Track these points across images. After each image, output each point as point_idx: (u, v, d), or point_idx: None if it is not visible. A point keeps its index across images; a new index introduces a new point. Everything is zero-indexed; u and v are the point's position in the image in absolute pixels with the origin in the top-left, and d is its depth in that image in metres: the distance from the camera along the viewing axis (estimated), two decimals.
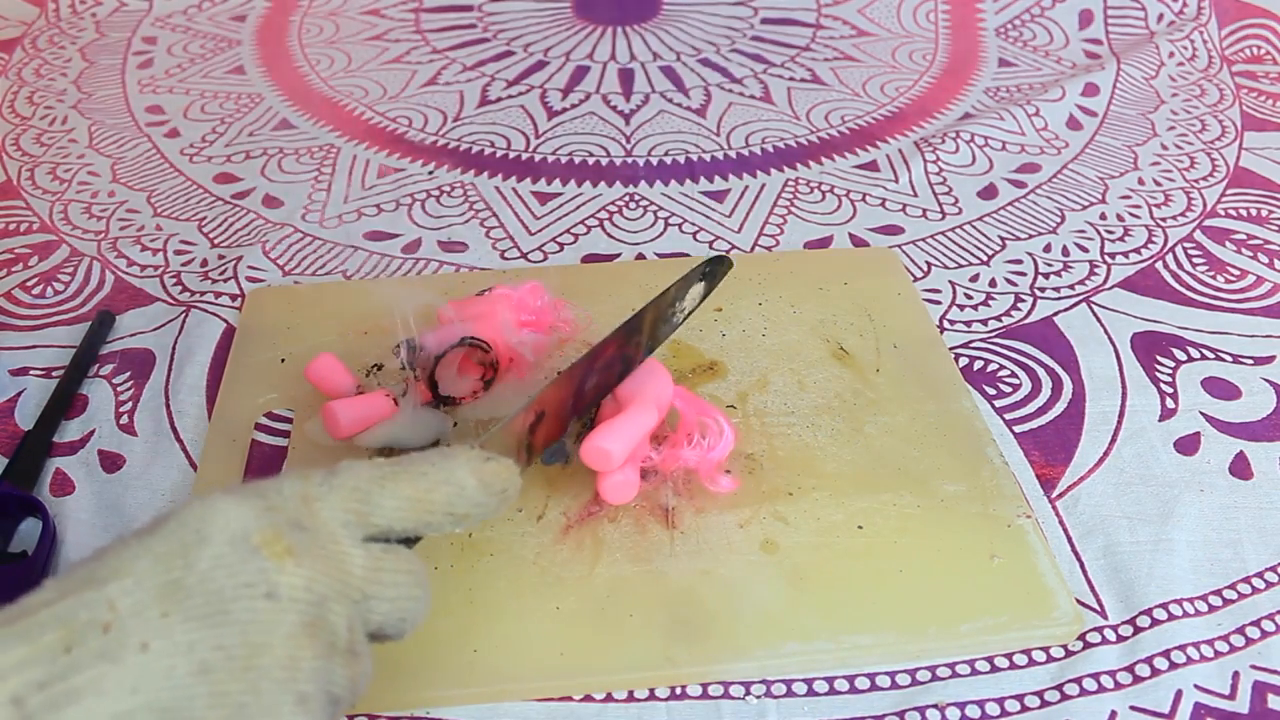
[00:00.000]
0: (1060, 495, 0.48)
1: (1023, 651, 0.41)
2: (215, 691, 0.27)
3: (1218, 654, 0.41)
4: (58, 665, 0.25)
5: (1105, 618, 0.43)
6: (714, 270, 0.46)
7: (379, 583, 0.31)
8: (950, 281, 0.61)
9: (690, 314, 0.46)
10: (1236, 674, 0.41)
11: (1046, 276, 0.61)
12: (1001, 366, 0.55)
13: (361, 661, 0.30)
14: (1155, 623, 0.42)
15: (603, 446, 0.41)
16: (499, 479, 0.34)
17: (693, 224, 0.66)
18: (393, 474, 0.32)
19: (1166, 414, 0.52)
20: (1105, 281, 0.61)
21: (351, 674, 0.30)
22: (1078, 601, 0.43)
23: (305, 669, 0.28)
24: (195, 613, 0.27)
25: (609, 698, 0.40)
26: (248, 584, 0.28)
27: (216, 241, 0.64)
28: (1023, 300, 0.59)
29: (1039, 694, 0.40)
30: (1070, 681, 0.40)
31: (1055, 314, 0.58)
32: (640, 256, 0.63)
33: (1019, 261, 0.63)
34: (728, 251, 0.63)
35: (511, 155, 0.74)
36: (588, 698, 0.39)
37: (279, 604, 0.28)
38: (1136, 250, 0.64)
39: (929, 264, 0.62)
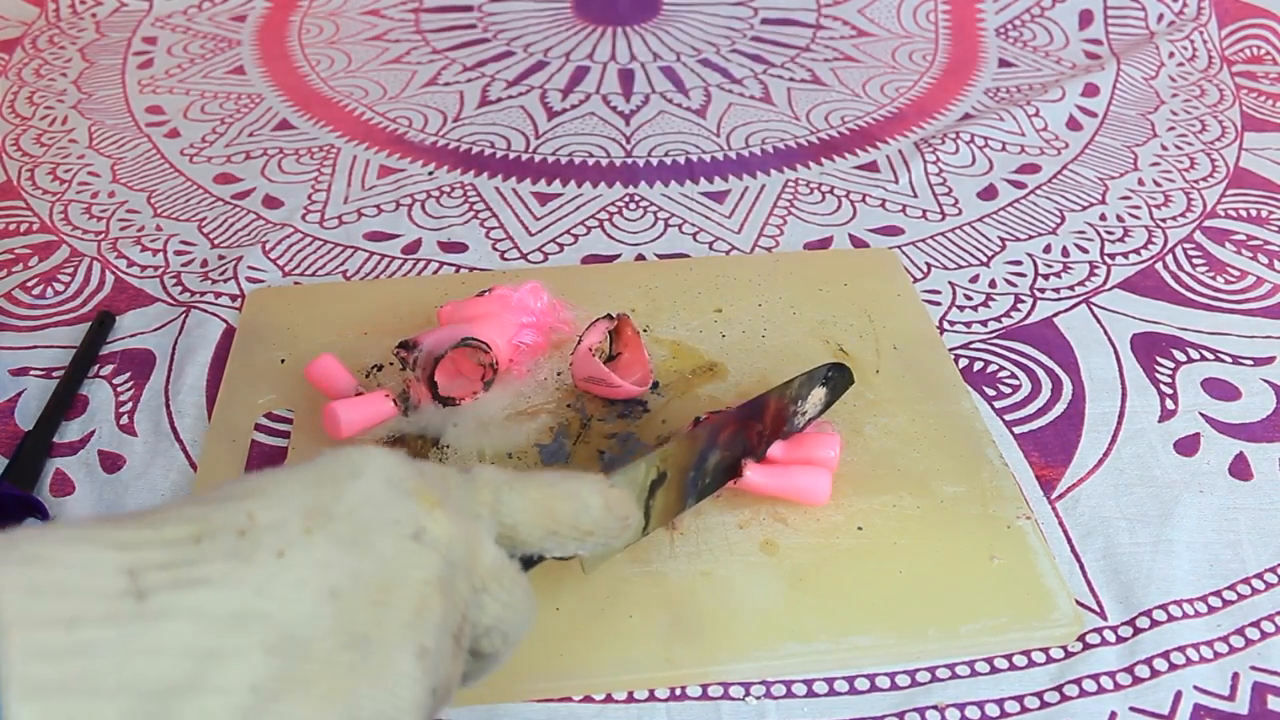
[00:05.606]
0: (1060, 496, 0.48)
1: (1022, 652, 0.41)
2: (341, 617, 0.25)
3: (1217, 655, 0.41)
4: (183, 552, 0.24)
5: (1105, 619, 0.43)
6: (836, 379, 0.47)
7: (498, 581, 0.30)
8: (950, 282, 0.61)
9: (811, 419, 0.47)
10: (1236, 675, 0.41)
11: (1046, 277, 0.61)
12: (1001, 367, 0.55)
13: (460, 660, 0.29)
14: (1155, 624, 0.42)
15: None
16: (622, 504, 0.34)
17: (693, 224, 0.66)
18: (522, 478, 0.32)
19: (1166, 415, 0.52)
20: (1105, 282, 0.61)
21: (453, 668, 0.29)
22: (1077, 602, 0.43)
23: (431, 622, 0.27)
24: (338, 536, 0.26)
25: (609, 698, 0.40)
26: (396, 520, 0.28)
27: (216, 242, 0.64)
28: (1022, 301, 0.59)
29: (1039, 695, 0.40)
30: (1070, 682, 0.40)
31: (1055, 315, 0.58)
32: (640, 257, 0.63)
33: (1019, 262, 0.63)
34: (727, 253, 0.63)
35: (511, 155, 0.74)
36: (588, 698, 0.39)
37: (421, 547, 0.28)
38: (1136, 251, 0.64)
39: (929, 265, 0.62)
